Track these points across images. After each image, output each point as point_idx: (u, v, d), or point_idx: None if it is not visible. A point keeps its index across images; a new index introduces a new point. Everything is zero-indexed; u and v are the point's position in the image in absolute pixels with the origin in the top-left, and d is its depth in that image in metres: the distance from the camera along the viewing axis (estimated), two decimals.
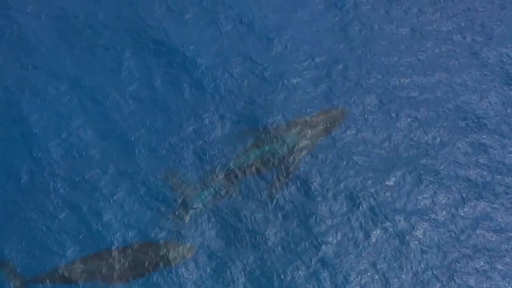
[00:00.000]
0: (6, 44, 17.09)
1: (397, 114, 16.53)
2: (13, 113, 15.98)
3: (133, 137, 15.70)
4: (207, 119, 16.20)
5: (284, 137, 15.86)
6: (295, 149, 15.76)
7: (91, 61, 16.89)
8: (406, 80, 17.16)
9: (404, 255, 14.53)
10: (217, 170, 15.41)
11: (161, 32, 17.52)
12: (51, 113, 15.93)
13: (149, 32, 17.48)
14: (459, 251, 14.64)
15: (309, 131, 15.98)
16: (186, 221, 14.67)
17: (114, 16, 17.69)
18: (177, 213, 14.74)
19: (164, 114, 16.27)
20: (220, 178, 15.33)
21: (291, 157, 15.68)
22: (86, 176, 14.99)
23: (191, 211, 14.80)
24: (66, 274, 13.71)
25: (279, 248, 14.55)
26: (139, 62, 16.98)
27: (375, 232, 14.79)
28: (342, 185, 15.42)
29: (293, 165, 15.60)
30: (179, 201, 14.93)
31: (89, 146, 15.53)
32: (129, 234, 14.31)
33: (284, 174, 15.47)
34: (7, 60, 16.81)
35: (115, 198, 14.77)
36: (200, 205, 14.88)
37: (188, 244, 14.29)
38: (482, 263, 14.54)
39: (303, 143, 15.87)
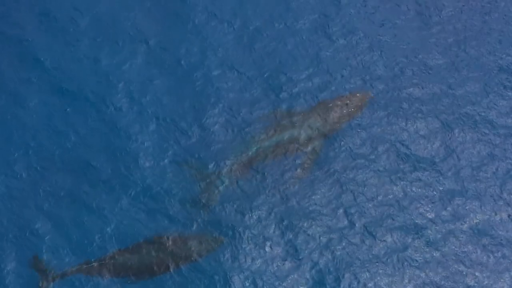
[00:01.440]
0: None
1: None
2: None
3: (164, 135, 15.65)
4: (227, 104, 16.02)
5: (306, 121, 15.66)
6: (317, 133, 15.56)
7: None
8: None
9: None
10: (237, 156, 15.24)
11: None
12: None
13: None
14: None
15: (332, 115, 15.72)
16: (211, 208, 14.58)
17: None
18: (201, 202, 14.66)
19: (182, 100, 16.12)
20: (241, 164, 15.18)
21: (313, 142, 15.49)
22: (114, 169, 14.92)
23: (214, 199, 14.73)
24: (96, 268, 13.73)
25: (302, 237, 14.53)
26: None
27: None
28: (362, 172, 15.31)
29: (315, 151, 15.43)
30: (202, 190, 14.82)
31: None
32: (155, 228, 14.27)
33: (306, 160, 15.32)
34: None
35: (139, 192, 14.72)
36: (221, 189, 14.83)
37: (216, 235, 14.24)
38: None
39: (326, 127, 15.65)
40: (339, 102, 15.86)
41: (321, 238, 14.37)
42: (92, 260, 13.77)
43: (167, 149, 15.29)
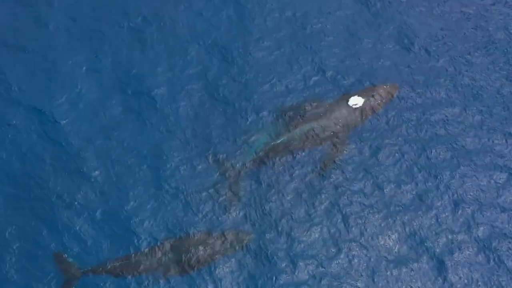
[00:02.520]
0: None
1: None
2: None
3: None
4: (252, 96, 15.78)
5: (332, 113, 15.33)
6: (343, 125, 15.27)
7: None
8: None
9: None
10: (262, 146, 14.98)
11: None
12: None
13: None
14: None
15: (359, 108, 15.43)
16: (237, 202, 14.36)
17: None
18: (227, 194, 14.42)
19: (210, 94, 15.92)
20: (265, 154, 14.91)
21: (339, 135, 15.21)
22: (145, 166, 14.74)
23: (240, 193, 14.47)
24: (123, 266, 13.46)
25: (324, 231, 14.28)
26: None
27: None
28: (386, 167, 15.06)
29: (341, 142, 15.16)
30: (227, 183, 14.58)
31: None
32: (183, 225, 14.05)
33: (331, 152, 15.06)
34: None
35: (166, 190, 14.49)
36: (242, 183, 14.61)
37: (244, 231, 14.00)
38: None
39: (352, 119, 15.37)
40: (366, 94, 15.56)
41: (350, 233, 14.16)
42: (119, 258, 13.53)
43: (195, 146, 15.09)
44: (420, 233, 14.15)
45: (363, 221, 14.29)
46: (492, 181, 14.79)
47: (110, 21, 16.98)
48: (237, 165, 14.78)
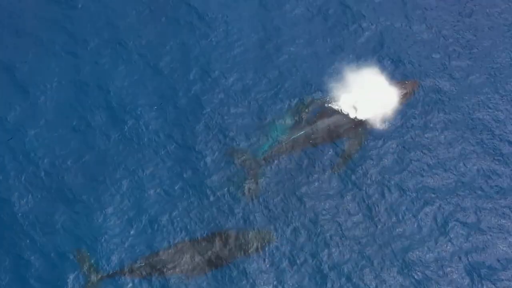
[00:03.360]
0: None
1: None
2: None
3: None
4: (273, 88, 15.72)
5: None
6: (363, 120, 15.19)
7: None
8: None
9: None
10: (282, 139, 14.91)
11: None
12: None
13: None
14: None
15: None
16: (257, 193, 14.27)
17: None
18: (247, 187, 14.33)
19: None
20: (284, 147, 14.80)
21: (358, 128, 15.13)
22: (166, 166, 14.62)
23: (259, 184, 14.39)
24: (144, 267, 13.34)
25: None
26: None
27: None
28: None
29: (360, 136, 15.06)
30: (247, 176, 14.49)
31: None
32: (204, 225, 13.92)
33: (350, 146, 14.97)
34: None
35: (189, 190, 14.36)
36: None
37: (267, 230, 13.85)
38: None
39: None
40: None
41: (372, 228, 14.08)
42: (141, 259, 13.42)
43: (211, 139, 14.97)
44: None
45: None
46: None
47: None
48: (256, 157, 14.67)
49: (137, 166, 14.54)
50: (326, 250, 13.79)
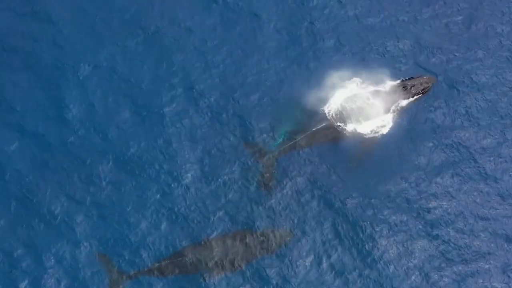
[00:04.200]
0: None
1: None
2: None
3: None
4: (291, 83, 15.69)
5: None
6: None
7: None
8: None
9: None
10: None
11: None
12: None
13: None
14: None
15: (397, 96, 15.26)
16: (272, 186, 14.34)
17: None
18: (261, 180, 14.37)
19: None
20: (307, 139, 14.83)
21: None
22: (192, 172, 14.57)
23: (274, 178, 14.43)
24: (166, 267, 13.45)
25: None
26: None
27: None
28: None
29: (380, 131, 15.11)
30: (262, 170, 14.52)
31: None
32: (224, 224, 13.99)
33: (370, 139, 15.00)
34: None
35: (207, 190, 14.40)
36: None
37: (285, 229, 13.91)
38: None
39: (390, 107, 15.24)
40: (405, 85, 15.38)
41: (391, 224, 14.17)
42: (162, 259, 13.53)
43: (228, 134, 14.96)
44: None
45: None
46: None
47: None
48: (271, 151, 14.70)
49: (157, 167, 14.58)
50: (348, 245, 14.02)
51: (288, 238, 13.80)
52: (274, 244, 13.69)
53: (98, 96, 15.09)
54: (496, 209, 14.59)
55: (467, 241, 14.24)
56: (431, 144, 15.07)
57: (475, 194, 14.69)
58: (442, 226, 14.36)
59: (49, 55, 15.45)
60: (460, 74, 15.83)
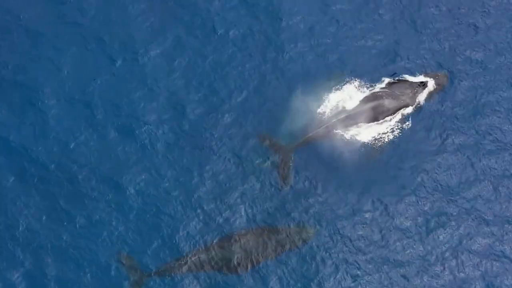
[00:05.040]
0: None
1: None
2: None
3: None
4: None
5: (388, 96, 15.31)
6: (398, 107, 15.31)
7: None
8: None
9: None
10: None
11: None
12: None
13: None
14: None
15: (411, 93, 15.38)
16: (289, 180, 14.31)
17: None
18: (279, 173, 14.35)
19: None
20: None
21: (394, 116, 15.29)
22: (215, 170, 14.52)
23: (291, 172, 14.42)
24: (189, 264, 13.30)
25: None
26: None
27: None
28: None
29: (396, 124, 15.21)
30: (279, 164, 14.50)
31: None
32: (247, 221, 13.90)
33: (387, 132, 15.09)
34: None
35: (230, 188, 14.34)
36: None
37: (308, 225, 13.84)
38: None
39: (406, 102, 15.36)
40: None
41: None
42: (184, 256, 13.40)
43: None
44: None
45: None
46: None
47: None
48: (288, 144, 14.70)
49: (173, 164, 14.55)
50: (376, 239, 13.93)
51: (312, 233, 13.74)
52: (297, 240, 13.61)
53: None
54: None
55: None
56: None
57: None
58: None
59: None
60: None
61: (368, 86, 15.49)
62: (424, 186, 14.51)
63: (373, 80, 15.63)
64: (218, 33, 16.07)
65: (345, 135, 14.90)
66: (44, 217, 13.78)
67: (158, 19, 16.19)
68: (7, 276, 13.18)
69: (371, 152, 14.81)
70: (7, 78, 15.43)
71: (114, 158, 14.52)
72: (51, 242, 13.55)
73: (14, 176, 14.18)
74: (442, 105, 15.43)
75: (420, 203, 14.35)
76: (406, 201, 14.32)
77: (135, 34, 15.99)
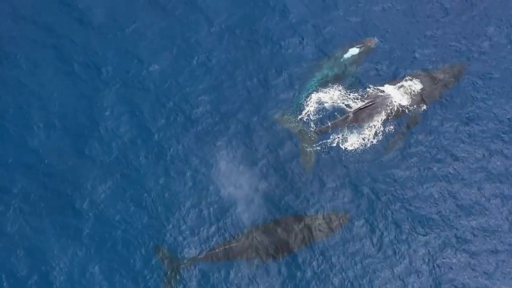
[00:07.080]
0: None
1: None
2: None
3: None
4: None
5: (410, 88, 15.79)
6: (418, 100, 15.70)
7: None
8: None
9: None
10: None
11: None
12: None
13: None
14: None
15: (432, 84, 15.85)
16: (311, 165, 14.55)
17: None
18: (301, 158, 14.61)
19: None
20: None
21: (413, 108, 15.60)
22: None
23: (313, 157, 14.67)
24: (221, 253, 13.46)
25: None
26: None
27: None
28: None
29: (415, 116, 15.54)
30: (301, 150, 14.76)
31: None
32: (279, 208, 14.08)
33: (405, 126, 15.40)
34: None
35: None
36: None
37: (340, 212, 14.06)
38: None
39: (426, 94, 15.78)
40: (438, 73, 16.05)
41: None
42: (217, 245, 13.58)
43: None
44: None
45: None
46: None
47: None
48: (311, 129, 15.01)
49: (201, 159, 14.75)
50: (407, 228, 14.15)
51: (344, 221, 13.96)
52: (331, 227, 13.83)
53: None
54: None
55: None
56: None
57: None
58: None
59: None
60: None
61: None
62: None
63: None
64: None
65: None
66: None
67: None
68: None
69: (396, 138, 15.19)
70: None
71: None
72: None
73: None
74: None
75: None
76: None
77: None
